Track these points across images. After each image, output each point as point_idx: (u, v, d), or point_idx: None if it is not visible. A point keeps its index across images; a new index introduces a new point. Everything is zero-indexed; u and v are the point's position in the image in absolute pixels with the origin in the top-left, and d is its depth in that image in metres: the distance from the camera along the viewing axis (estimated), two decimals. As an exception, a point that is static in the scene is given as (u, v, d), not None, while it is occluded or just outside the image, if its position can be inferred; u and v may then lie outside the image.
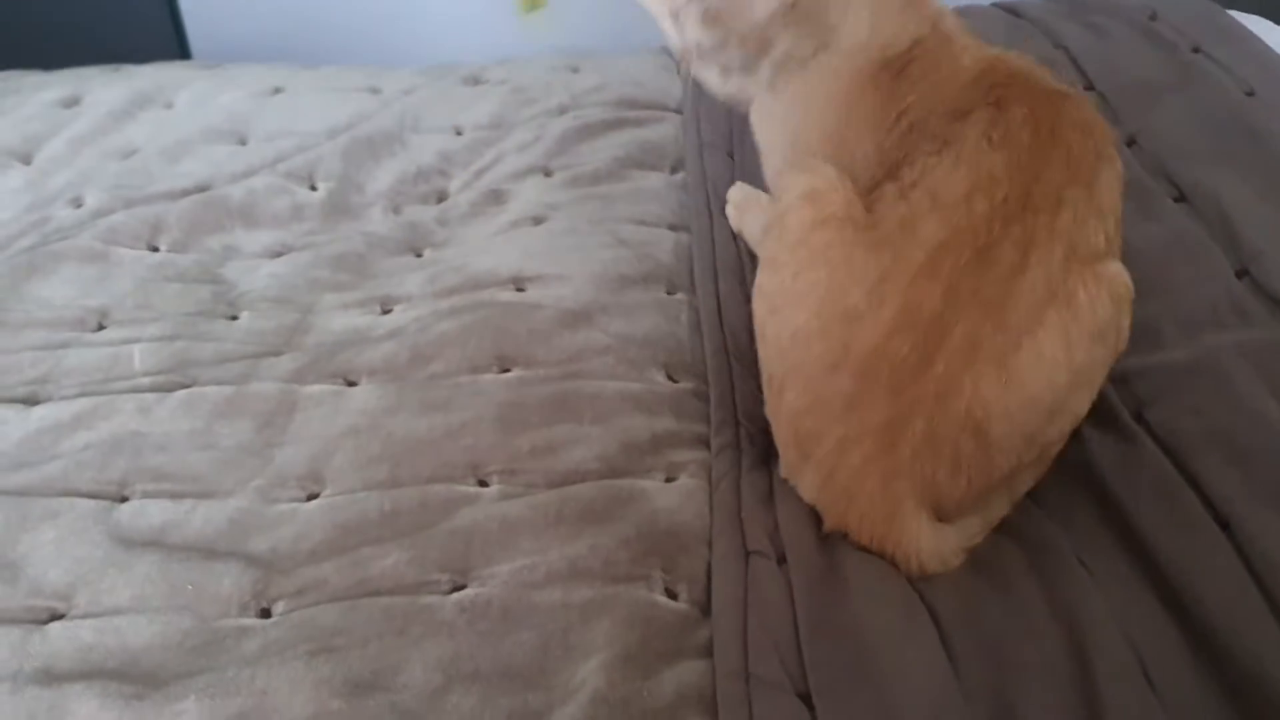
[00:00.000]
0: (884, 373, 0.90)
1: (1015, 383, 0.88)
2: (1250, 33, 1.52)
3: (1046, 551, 0.93)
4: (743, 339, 1.20)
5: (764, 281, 1.02)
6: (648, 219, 1.43)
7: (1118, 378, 1.08)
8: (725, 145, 1.54)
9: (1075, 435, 1.04)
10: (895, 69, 1.05)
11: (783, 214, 1.00)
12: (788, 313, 0.98)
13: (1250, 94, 1.37)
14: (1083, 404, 0.94)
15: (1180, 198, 1.26)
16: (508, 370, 1.17)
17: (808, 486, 0.98)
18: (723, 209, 1.40)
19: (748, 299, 1.24)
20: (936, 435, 0.89)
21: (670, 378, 1.18)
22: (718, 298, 1.27)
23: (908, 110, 1.02)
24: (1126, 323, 0.94)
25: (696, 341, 1.22)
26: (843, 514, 0.94)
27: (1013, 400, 0.89)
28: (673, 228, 1.42)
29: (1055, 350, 0.89)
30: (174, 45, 2.55)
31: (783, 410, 0.99)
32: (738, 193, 1.37)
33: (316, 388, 1.16)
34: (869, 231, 0.95)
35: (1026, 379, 0.89)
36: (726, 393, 1.14)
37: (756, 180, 1.27)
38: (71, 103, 1.78)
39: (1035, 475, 0.99)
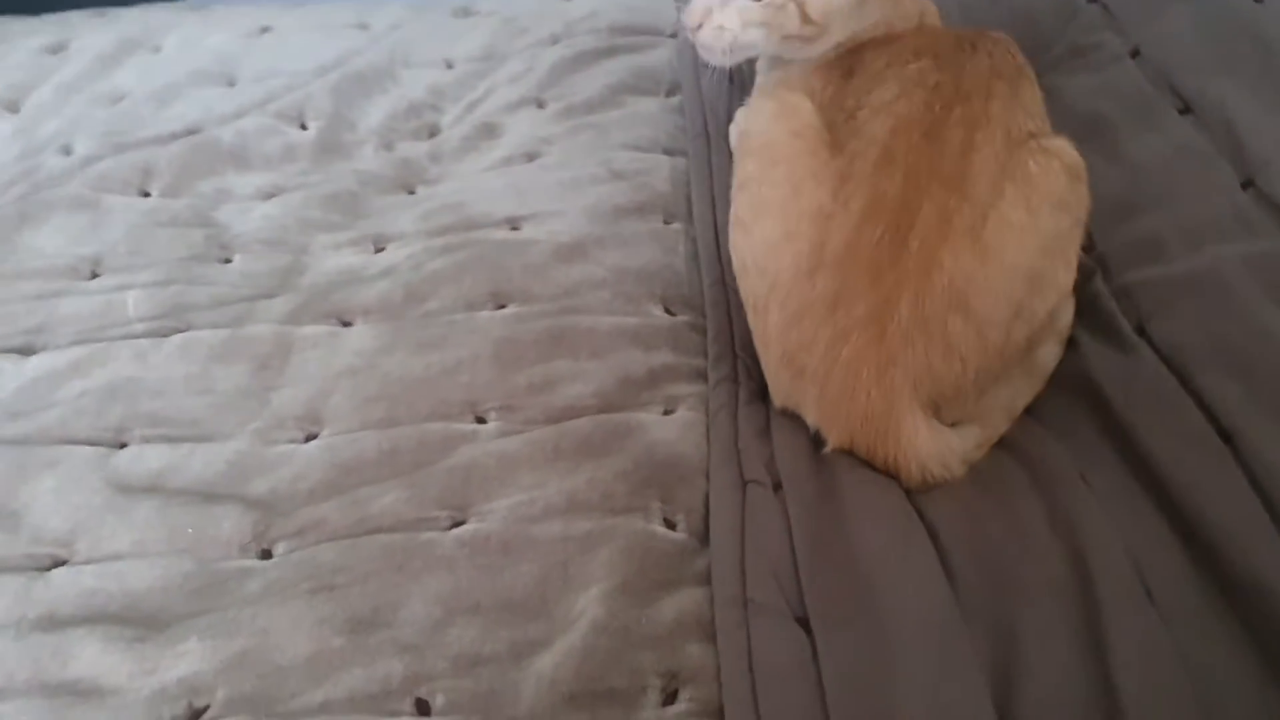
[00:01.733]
0: (862, 262, 0.92)
1: (989, 252, 0.91)
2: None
3: (1047, 468, 0.92)
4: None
5: (738, 206, 1.03)
6: (642, 144, 1.41)
7: (1119, 290, 1.06)
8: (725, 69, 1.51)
9: (1074, 347, 1.04)
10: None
11: (750, 132, 1.04)
12: (761, 226, 0.99)
13: (1258, 2, 1.33)
14: (1061, 275, 0.97)
15: (1185, 109, 1.22)
16: (503, 306, 1.16)
17: (808, 404, 0.97)
18: (721, 132, 1.37)
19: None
20: (924, 315, 0.90)
21: (668, 310, 1.17)
22: (715, 227, 1.25)
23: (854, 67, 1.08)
24: (1084, 191, 0.98)
25: (694, 272, 1.21)
26: (844, 421, 0.93)
27: (991, 270, 0.91)
28: (668, 152, 1.40)
29: (1020, 217, 0.92)
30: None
31: (769, 331, 0.98)
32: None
33: (312, 329, 1.15)
34: (828, 141, 0.99)
35: (999, 247, 0.91)
36: (724, 325, 1.13)
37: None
38: (58, 49, 1.76)
39: (1032, 390, 0.99)
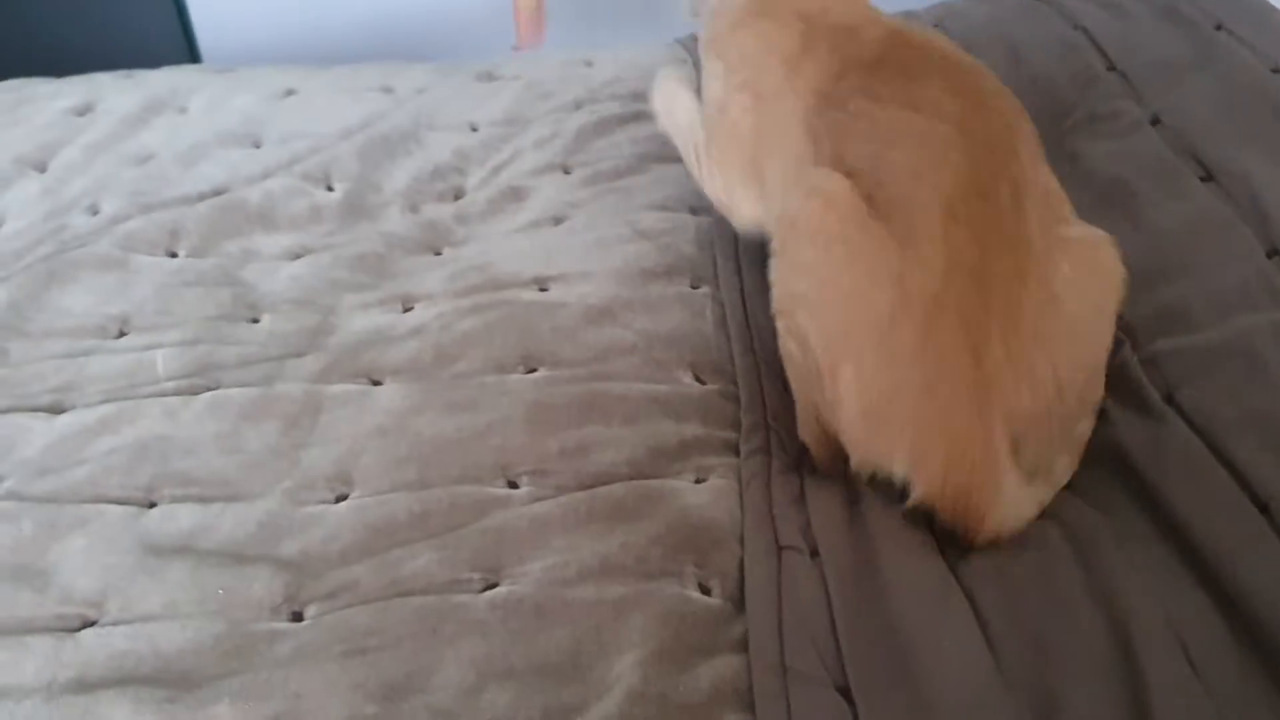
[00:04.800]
0: (950, 312, 0.93)
1: (1061, 303, 0.94)
2: (1274, 9, 1.50)
3: (1083, 535, 0.92)
4: (769, 336, 1.19)
5: (794, 287, 1.03)
6: (669, 204, 1.43)
7: (1146, 359, 1.07)
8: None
9: (1103, 416, 1.04)
10: (807, 40, 1.16)
11: (794, 217, 1.04)
12: (831, 296, 0.99)
13: (1276, 70, 1.35)
14: (1106, 337, 1.01)
15: (1207, 177, 1.24)
16: (534, 370, 1.17)
17: (897, 454, 0.95)
18: None
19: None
20: (1013, 353, 0.92)
21: (697, 378, 1.17)
22: (742, 292, 1.26)
23: (824, 88, 1.11)
24: (1116, 264, 1.01)
25: (722, 338, 1.22)
26: (940, 466, 0.92)
27: (1061, 318, 0.94)
28: (694, 211, 1.42)
29: (1074, 273, 0.97)
30: (184, 51, 2.56)
31: (842, 391, 0.97)
32: (663, 92, 1.36)
33: (341, 388, 1.16)
34: (873, 211, 1.00)
35: (1065, 298, 0.95)
36: (756, 394, 1.13)
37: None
38: (84, 110, 1.78)
39: (1074, 463, 0.99)
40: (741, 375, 1.16)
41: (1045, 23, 1.61)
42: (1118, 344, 1.08)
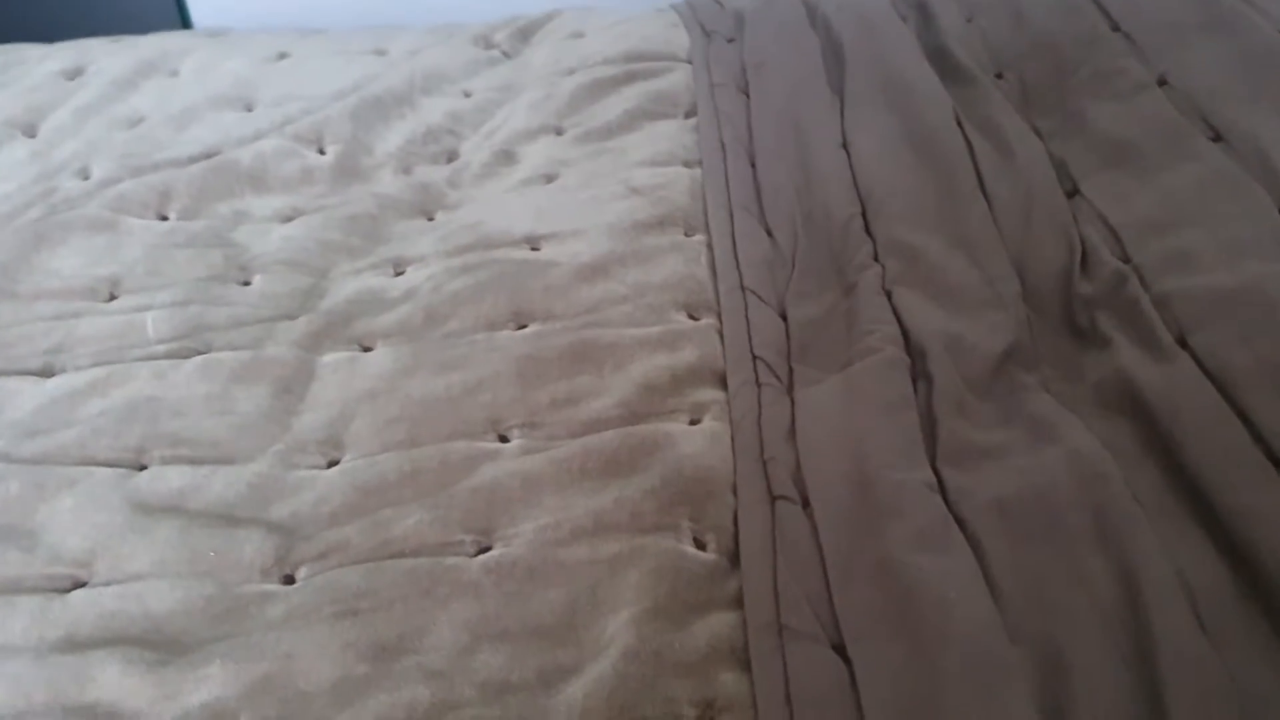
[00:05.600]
0: None
1: None
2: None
3: (1095, 478, 0.89)
4: (761, 272, 1.18)
5: None
6: (660, 159, 1.40)
7: (1159, 299, 1.04)
8: (738, 84, 1.51)
9: (1113, 349, 1.02)
10: None
11: None
12: None
13: (1283, 32, 1.33)
14: None
15: (1216, 137, 1.22)
16: (524, 326, 1.15)
17: None
18: (739, 141, 1.37)
19: (768, 233, 1.22)
20: None
21: (691, 316, 1.16)
22: (732, 235, 1.24)
23: None
24: None
25: (714, 279, 1.20)
26: None
27: None
28: (687, 164, 1.39)
29: None
30: (175, 20, 2.53)
31: None
32: None
33: (332, 354, 1.14)
34: None
35: None
36: (741, 327, 1.11)
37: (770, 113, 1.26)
38: (75, 73, 1.76)
39: None
40: (727, 312, 1.14)
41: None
42: (1122, 279, 1.07)
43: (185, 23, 2.56)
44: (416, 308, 1.17)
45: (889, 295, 1.12)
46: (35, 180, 1.49)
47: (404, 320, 1.16)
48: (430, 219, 1.37)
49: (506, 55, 1.71)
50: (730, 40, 1.59)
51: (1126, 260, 1.10)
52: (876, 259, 1.18)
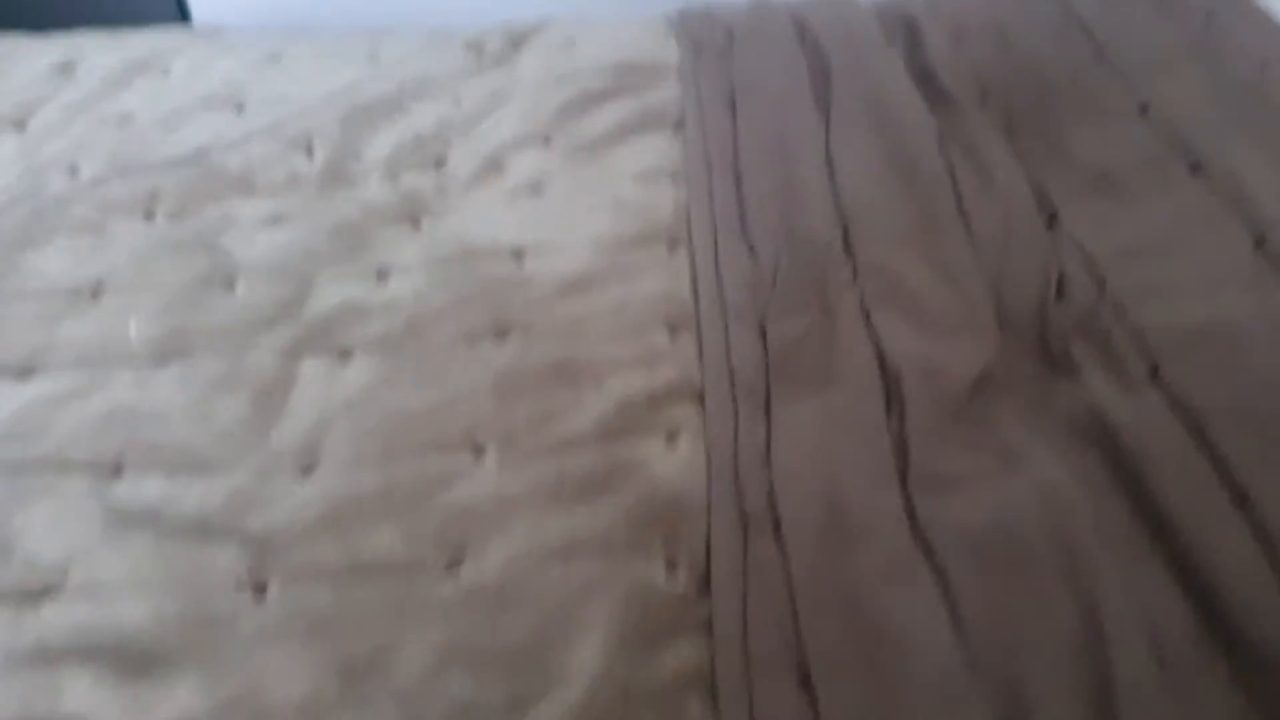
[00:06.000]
0: None
1: None
2: (1264, 10, 1.48)
3: (1064, 515, 0.90)
4: (742, 290, 1.18)
5: None
6: (647, 172, 1.40)
7: (1132, 331, 1.05)
8: (726, 100, 1.51)
9: (1082, 379, 1.03)
10: None
11: None
12: None
13: (1265, 65, 1.33)
14: None
15: (1196, 169, 1.23)
16: (504, 339, 1.15)
17: None
18: (724, 157, 1.38)
19: (751, 249, 1.23)
20: None
21: (671, 333, 1.16)
22: (715, 250, 1.24)
23: None
24: None
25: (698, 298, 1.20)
26: None
27: None
28: (674, 177, 1.40)
29: None
30: (174, 12, 2.53)
31: None
32: None
33: (312, 363, 1.14)
34: None
35: None
36: (720, 346, 1.12)
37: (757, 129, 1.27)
38: (66, 69, 1.75)
39: None
40: (706, 327, 1.14)
41: (1036, 6, 1.60)
42: (1093, 309, 1.08)
43: (184, 13, 2.57)
44: (397, 319, 1.17)
45: (867, 316, 1.13)
46: (22, 176, 1.49)
47: (385, 330, 1.17)
48: (416, 226, 1.38)
49: (498, 62, 1.71)
50: (720, 55, 1.59)
51: (1102, 288, 1.11)
52: (856, 280, 1.19)
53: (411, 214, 1.39)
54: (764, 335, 1.14)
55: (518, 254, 1.27)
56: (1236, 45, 1.39)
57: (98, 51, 1.80)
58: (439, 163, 1.50)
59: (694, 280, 1.21)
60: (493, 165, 1.46)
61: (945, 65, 1.51)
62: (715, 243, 1.24)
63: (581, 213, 1.32)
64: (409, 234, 1.35)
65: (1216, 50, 1.39)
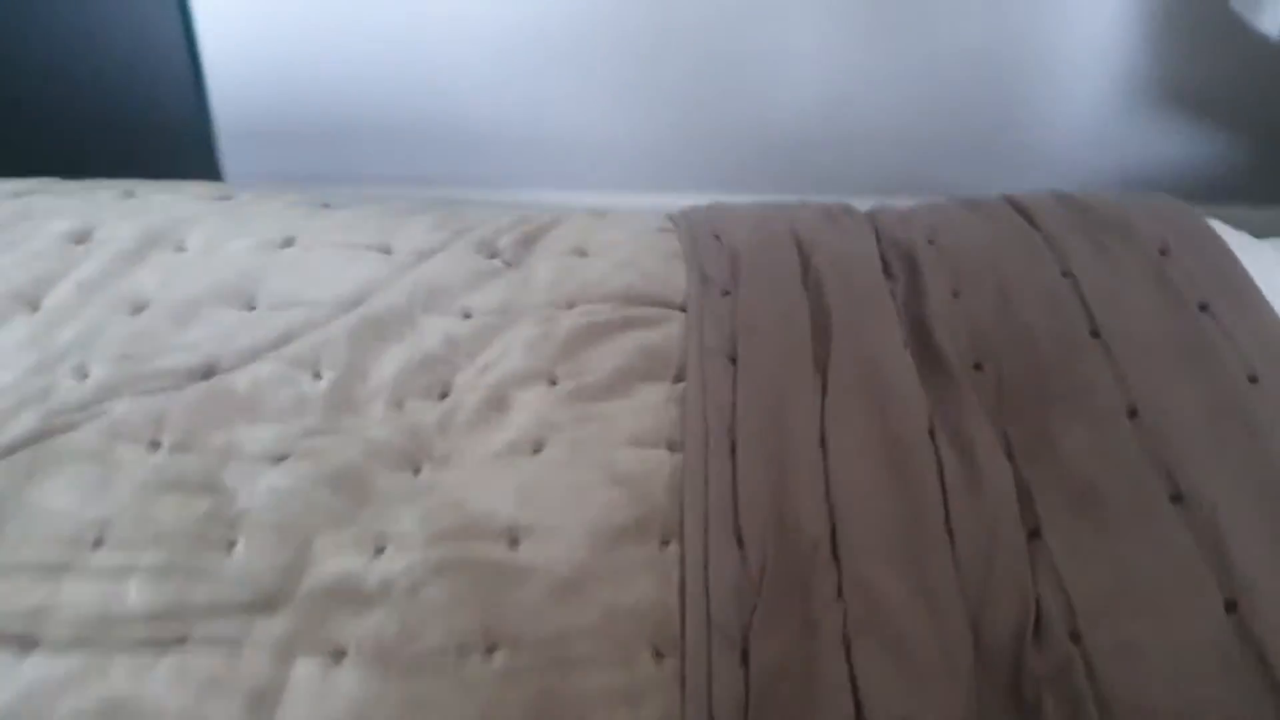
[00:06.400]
0: None
1: None
2: (1260, 295, 1.50)
3: None
4: (729, 604, 1.21)
5: None
6: (646, 439, 1.43)
7: (1102, 698, 1.08)
8: (727, 349, 1.54)
9: None
10: None
11: None
12: None
13: (1253, 380, 1.36)
14: None
15: (1177, 497, 1.26)
16: (494, 651, 1.18)
17: None
18: (724, 425, 1.41)
19: (739, 542, 1.26)
20: None
21: (658, 656, 1.19)
22: (705, 550, 1.27)
23: None
24: None
25: (685, 612, 1.23)
26: None
27: None
28: (671, 448, 1.43)
29: None
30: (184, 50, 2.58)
31: None
32: None
33: (305, 663, 1.17)
34: None
35: None
36: (703, 680, 1.15)
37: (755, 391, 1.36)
38: (82, 238, 1.79)
39: None
40: (691, 651, 1.17)
41: (1034, 259, 1.62)
42: (1068, 663, 1.12)
43: (184, 13, 2.60)
44: (390, 617, 1.20)
45: (848, 649, 1.16)
46: (32, 372, 1.53)
47: (378, 629, 1.19)
48: (417, 472, 1.41)
49: (509, 264, 1.74)
50: (725, 293, 1.62)
51: (1077, 639, 1.15)
52: (840, 595, 1.22)
53: (413, 457, 1.42)
54: (746, 660, 1.17)
55: (513, 539, 1.30)
56: (1229, 346, 1.41)
57: (115, 216, 1.83)
58: (443, 392, 1.53)
59: (682, 588, 1.24)
60: (496, 403, 1.49)
61: (942, 320, 1.54)
62: (705, 541, 1.27)
63: (579, 488, 1.35)
64: (408, 485, 1.38)
65: (1209, 350, 1.41)
